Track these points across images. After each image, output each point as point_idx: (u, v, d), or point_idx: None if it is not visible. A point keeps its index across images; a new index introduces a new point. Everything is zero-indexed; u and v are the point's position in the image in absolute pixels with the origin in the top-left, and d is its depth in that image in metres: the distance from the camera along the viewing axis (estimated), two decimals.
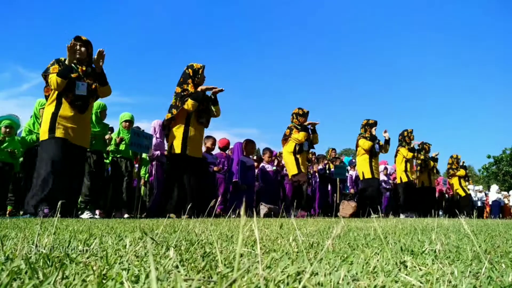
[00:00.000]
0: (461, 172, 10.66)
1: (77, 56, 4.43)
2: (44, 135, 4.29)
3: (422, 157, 9.44)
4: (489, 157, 33.91)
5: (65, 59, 4.38)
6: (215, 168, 6.68)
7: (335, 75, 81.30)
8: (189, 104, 5.08)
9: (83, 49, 4.47)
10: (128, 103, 72.34)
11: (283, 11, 79.51)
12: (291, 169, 7.06)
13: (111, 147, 5.72)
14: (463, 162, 10.89)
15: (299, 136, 6.93)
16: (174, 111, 5.18)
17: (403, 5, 74.26)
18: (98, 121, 5.45)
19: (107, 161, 5.97)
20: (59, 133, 4.24)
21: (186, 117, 5.21)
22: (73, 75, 4.36)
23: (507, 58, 60.25)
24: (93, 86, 4.53)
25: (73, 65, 4.43)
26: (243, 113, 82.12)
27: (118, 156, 5.82)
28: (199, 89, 5.18)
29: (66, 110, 4.32)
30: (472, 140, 73.06)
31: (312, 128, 7.28)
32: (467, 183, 10.93)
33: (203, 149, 6.94)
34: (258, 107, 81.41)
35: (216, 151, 7.31)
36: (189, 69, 5.32)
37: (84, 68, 4.47)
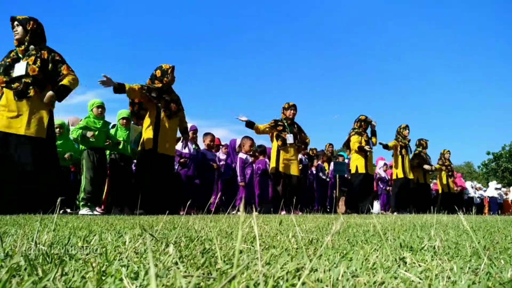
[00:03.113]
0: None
1: (15, 37, 4.15)
2: None
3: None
4: (488, 153, 34.01)
5: (11, 51, 4.15)
6: (215, 165, 6.68)
7: (334, 71, 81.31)
8: (135, 86, 4.99)
9: (19, 28, 4.14)
10: (126, 99, 72.10)
11: (282, 8, 79.38)
12: (271, 164, 6.92)
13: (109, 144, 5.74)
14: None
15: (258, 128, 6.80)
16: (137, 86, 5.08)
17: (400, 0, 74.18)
18: (96, 118, 5.45)
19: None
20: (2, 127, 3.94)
21: (156, 113, 5.17)
22: (8, 60, 4.08)
23: (507, 54, 60.19)
24: (36, 69, 4.06)
25: (17, 48, 4.16)
26: (243, 109, 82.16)
27: (116, 152, 5.83)
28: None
29: (4, 97, 4.00)
30: (472, 137, 73.13)
31: (296, 127, 7.03)
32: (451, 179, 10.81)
33: (203, 146, 6.97)
34: (259, 104, 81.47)
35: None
36: (158, 70, 5.32)
37: (23, 48, 4.15)
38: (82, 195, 5.25)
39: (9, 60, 4.08)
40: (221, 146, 7.43)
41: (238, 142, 7.13)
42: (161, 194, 4.96)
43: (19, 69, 4.01)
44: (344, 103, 74.08)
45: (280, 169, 6.68)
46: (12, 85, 4.00)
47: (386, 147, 8.85)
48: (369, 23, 75.25)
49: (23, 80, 4.02)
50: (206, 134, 7.00)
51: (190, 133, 6.38)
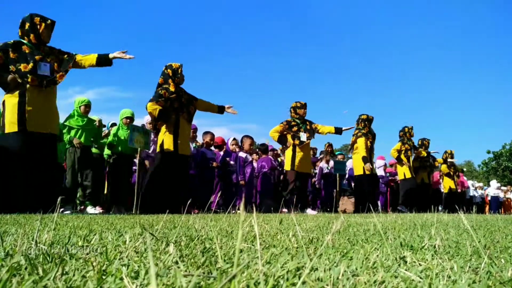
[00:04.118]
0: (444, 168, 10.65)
1: (44, 38, 4.27)
2: (11, 126, 4.02)
3: (424, 153, 9.49)
4: (488, 152, 33.93)
5: (14, 42, 4.13)
6: (214, 164, 6.68)
7: (334, 70, 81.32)
8: (154, 110, 5.03)
9: (49, 31, 4.33)
10: (129, 97, 72.37)
11: (281, 6, 79.37)
12: (286, 163, 6.98)
13: (108, 140, 5.74)
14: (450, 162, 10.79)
15: (272, 131, 6.87)
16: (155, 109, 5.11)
17: None
18: (80, 116, 5.45)
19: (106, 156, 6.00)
20: (29, 125, 4.04)
21: (175, 117, 5.20)
22: (36, 57, 4.17)
23: (507, 53, 60.13)
24: (55, 66, 4.29)
25: (34, 47, 4.24)
26: (242, 108, 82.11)
27: (116, 151, 5.84)
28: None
29: (32, 97, 4.10)
30: (472, 136, 73.13)
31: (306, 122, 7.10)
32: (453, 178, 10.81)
33: (203, 144, 6.98)
34: (257, 103, 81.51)
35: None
36: (168, 69, 5.30)
37: (44, 48, 4.30)
38: (80, 193, 5.33)
39: (38, 57, 4.19)
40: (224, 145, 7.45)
41: (230, 141, 7.13)
42: (176, 193, 5.03)
43: (45, 69, 4.19)
44: (344, 102, 74.06)
45: (296, 168, 6.77)
46: (44, 82, 4.14)
47: (399, 159, 8.98)
48: (370, 23, 75.19)
49: (50, 78, 4.22)
50: (205, 133, 6.99)
51: (190, 132, 6.39)
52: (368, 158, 7.77)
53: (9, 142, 4.04)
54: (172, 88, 5.19)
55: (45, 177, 4.13)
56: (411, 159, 9.08)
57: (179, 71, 5.28)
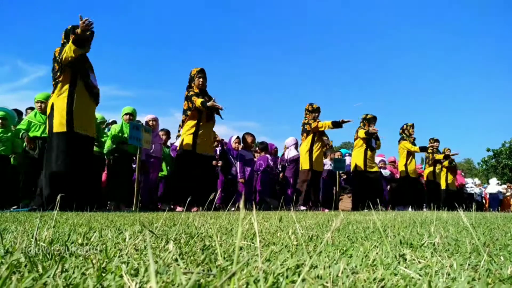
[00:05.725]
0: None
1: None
2: (60, 127, 4.19)
3: (430, 151, 9.64)
4: (488, 150, 33.91)
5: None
6: (214, 162, 6.68)
7: (335, 68, 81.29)
8: (197, 102, 5.37)
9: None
10: (128, 96, 72.46)
11: (283, 6, 79.29)
12: (304, 162, 7.16)
13: (108, 141, 5.74)
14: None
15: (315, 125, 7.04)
16: (189, 113, 5.55)
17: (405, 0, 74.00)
18: None
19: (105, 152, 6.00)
20: (77, 127, 4.26)
21: (198, 117, 5.51)
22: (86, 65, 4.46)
23: (506, 52, 60.13)
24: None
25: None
26: (243, 106, 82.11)
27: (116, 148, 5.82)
28: (209, 104, 5.31)
29: (82, 102, 4.33)
30: (472, 134, 73.20)
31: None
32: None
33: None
34: (258, 101, 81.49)
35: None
36: (191, 74, 5.69)
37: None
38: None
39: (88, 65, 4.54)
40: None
41: (233, 139, 7.13)
42: (198, 189, 5.22)
43: (93, 79, 4.58)
44: (345, 102, 74.01)
45: (313, 167, 7.10)
46: (94, 90, 4.54)
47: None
48: (369, 19, 75.08)
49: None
50: None
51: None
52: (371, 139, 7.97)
53: (57, 141, 4.21)
54: (196, 90, 5.56)
55: (87, 178, 4.40)
56: (412, 157, 9.17)
57: (199, 75, 5.60)
